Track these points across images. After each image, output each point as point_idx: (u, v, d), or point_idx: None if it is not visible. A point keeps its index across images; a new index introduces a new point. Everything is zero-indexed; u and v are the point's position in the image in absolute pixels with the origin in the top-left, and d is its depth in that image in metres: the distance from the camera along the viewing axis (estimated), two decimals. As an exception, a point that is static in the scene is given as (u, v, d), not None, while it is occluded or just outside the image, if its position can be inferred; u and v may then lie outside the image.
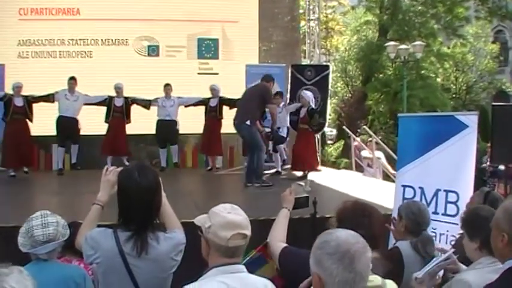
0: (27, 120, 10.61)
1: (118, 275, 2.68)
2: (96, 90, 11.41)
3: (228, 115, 11.48)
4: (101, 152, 11.31)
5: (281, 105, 11.23)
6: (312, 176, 9.97)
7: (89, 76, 11.89)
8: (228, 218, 2.35)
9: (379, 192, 8.30)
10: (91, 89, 11.38)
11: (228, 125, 11.53)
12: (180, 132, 11.95)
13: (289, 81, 12.96)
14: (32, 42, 12.90)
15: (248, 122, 8.90)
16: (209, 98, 11.53)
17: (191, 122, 11.90)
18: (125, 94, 11.38)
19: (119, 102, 11.27)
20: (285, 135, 11.32)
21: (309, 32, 15.07)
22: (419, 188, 5.22)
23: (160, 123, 11.42)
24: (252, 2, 13.84)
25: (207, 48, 13.64)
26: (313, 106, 10.73)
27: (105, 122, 11.33)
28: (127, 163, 10.88)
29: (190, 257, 2.89)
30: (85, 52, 13.10)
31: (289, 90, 12.88)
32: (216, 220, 2.35)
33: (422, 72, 25.10)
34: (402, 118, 5.93)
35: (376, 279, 2.07)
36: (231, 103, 11.44)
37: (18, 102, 10.41)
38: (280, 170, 11.14)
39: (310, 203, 3.63)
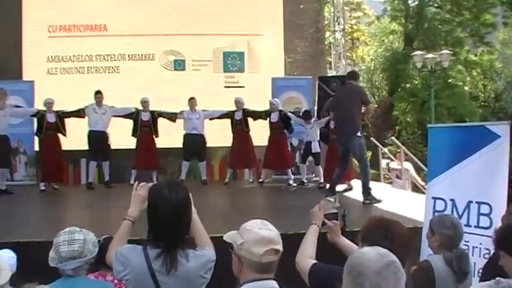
0: (58, 135, 10.72)
1: (147, 292, 2.66)
2: (123, 105, 11.48)
3: (254, 127, 11.60)
4: (134, 166, 11.37)
5: (312, 120, 11.27)
6: (340, 188, 9.88)
7: (116, 91, 12.04)
8: (261, 233, 2.34)
9: (409, 205, 8.20)
10: (118, 104, 11.45)
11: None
12: (214, 145, 11.99)
13: (317, 93, 12.93)
14: (60, 58, 13.17)
15: (359, 134, 8.56)
16: (234, 111, 11.54)
17: (218, 134, 11.90)
18: (152, 108, 11.43)
19: (145, 117, 11.31)
20: (318, 150, 11.24)
21: (334, 43, 15.05)
22: (451, 200, 5.12)
23: (188, 138, 11.42)
24: (276, 15, 13.89)
25: (233, 62, 13.72)
26: None
27: (132, 135, 11.39)
28: (154, 178, 10.98)
29: (220, 273, 2.88)
30: (112, 67, 13.32)
31: (316, 102, 12.84)
32: (248, 236, 2.35)
33: (450, 81, 24.80)
34: (431, 129, 5.83)
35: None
36: (255, 115, 11.54)
37: (51, 118, 10.53)
38: (304, 180, 11.28)
39: (339, 216, 3.58)
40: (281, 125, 11.38)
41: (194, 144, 11.40)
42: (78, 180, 12.26)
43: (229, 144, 11.82)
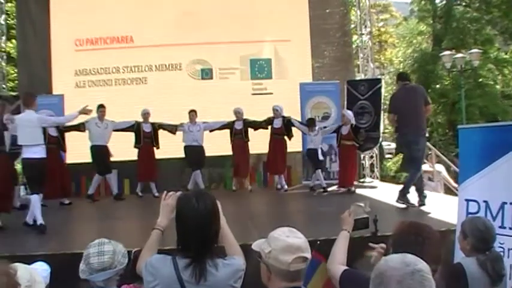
0: (59, 150, 10.56)
1: (177, 302, 2.66)
2: (151, 116, 11.58)
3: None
4: (138, 179, 11.60)
5: (316, 128, 11.45)
6: (372, 192, 9.81)
7: (144, 102, 12.11)
8: (288, 241, 2.34)
9: (442, 207, 8.08)
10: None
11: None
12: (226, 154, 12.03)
13: (346, 97, 12.89)
14: (88, 71, 13.35)
15: (427, 134, 8.62)
16: (234, 121, 11.67)
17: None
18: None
19: (147, 128, 11.42)
20: (322, 158, 11.66)
21: (361, 46, 14.95)
22: (484, 201, 5.02)
23: (189, 149, 11.55)
24: (302, 20, 13.88)
25: (260, 69, 13.72)
26: (354, 123, 11.26)
27: (135, 147, 11.45)
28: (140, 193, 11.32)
29: (250, 282, 2.86)
30: (140, 79, 13.45)
31: (345, 106, 12.80)
32: (276, 244, 2.34)
33: (480, 80, 24.39)
34: (462, 130, 5.73)
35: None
36: (255, 125, 11.72)
37: (52, 132, 10.25)
38: (325, 186, 11.28)
39: (371, 221, 3.55)
40: (283, 132, 11.60)
41: (195, 154, 11.52)
42: (109, 191, 12.37)
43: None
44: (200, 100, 12.71)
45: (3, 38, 13.70)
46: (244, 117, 11.71)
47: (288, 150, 11.89)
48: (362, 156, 13.78)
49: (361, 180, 13.33)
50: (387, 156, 26.32)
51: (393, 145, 28.24)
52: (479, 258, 3.37)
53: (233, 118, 11.75)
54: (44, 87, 12.85)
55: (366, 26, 14.90)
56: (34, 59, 13.31)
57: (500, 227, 4.64)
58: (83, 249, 3.13)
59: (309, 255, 2.35)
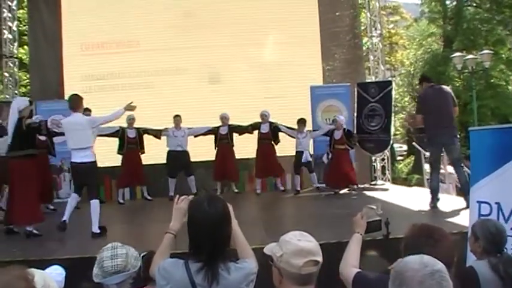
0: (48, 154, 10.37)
1: (190, 306, 2.68)
2: (158, 121, 11.63)
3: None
4: (117, 184, 11.69)
5: (305, 130, 11.65)
6: (384, 195, 9.79)
7: (151, 107, 12.12)
8: (300, 245, 2.35)
9: (454, 209, 8.06)
10: (153, 120, 11.63)
11: (281, 148, 11.82)
12: (244, 157, 12.04)
13: (356, 99, 12.87)
14: (94, 76, 13.34)
15: (458, 135, 8.74)
16: (219, 127, 11.73)
17: (251, 146, 11.91)
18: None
19: (131, 134, 11.39)
20: (310, 159, 11.76)
21: (371, 49, 14.92)
22: (496, 203, 4.98)
23: (173, 154, 11.55)
24: (312, 23, 13.84)
25: (270, 72, 13.61)
26: (346, 127, 11.49)
27: (118, 153, 11.42)
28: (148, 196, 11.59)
29: (262, 285, 2.87)
30: (146, 83, 13.35)
31: (356, 109, 12.79)
32: (287, 248, 2.36)
33: (492, 81, 24.31)
34: (473, 132, 5.71)
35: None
36: (240, 130, 11.78)
37: (42, 136, 9.62)
38: (318, 186, 11.79)
39: (383, 224, 3.55)
40: (270, 136, 11.68)
41: (179, 160, 11.52)
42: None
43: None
44: (208, 104, 12.71)
45: (15, 44, 13.82)
46: (230, 122, 11.74)
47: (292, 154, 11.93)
48: (373, 158, 13.74)
49: (373, 182, 13.30)
50: (398, 158, 26.22)
51: (405, 147, 28.23)
52: (491, 260, 3.36)
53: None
54: (56, 92, 12.92)
55: (376, 28, 14.86)
56: (46, 65, 13.36)
57: (512, 229, 4.62)
58: (97, 253, 3.17)
59: (320, 258, 2.36)
